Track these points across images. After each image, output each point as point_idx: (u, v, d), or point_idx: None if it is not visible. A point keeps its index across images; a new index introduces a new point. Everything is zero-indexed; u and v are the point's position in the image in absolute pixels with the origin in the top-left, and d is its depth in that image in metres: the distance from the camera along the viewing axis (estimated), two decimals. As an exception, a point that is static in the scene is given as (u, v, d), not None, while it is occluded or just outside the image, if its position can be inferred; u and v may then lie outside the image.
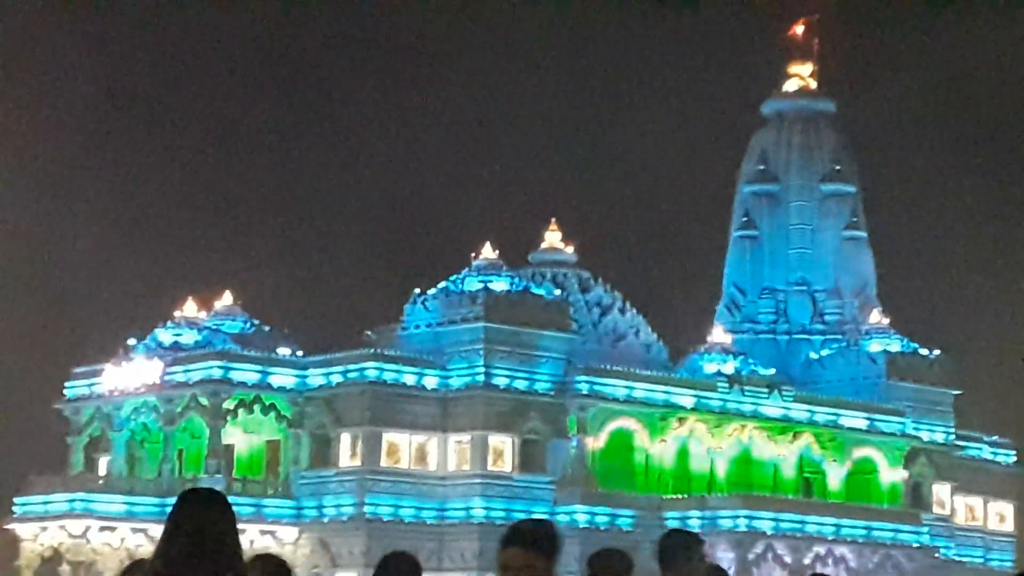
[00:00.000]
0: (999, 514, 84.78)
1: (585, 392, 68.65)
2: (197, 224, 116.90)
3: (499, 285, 69.64)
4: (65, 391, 72.07)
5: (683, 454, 72.31)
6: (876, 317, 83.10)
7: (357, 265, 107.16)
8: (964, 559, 79.37)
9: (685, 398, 71.60)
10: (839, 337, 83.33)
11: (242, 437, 69.83)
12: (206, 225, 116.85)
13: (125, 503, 65.60)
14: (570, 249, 79.02)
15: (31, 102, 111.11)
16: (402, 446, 67.07)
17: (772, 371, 76.49)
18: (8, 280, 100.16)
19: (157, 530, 65.85)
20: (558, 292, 72.52)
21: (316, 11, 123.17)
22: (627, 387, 70.00)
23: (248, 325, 72.46)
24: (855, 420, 76.17)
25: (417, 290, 71.45)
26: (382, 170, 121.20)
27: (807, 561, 69.13)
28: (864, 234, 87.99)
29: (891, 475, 77.07)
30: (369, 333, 71.98)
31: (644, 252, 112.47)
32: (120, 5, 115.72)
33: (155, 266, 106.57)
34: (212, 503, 6.02)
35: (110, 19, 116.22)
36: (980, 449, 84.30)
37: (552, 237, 79.08)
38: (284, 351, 70.03)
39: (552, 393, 68.61)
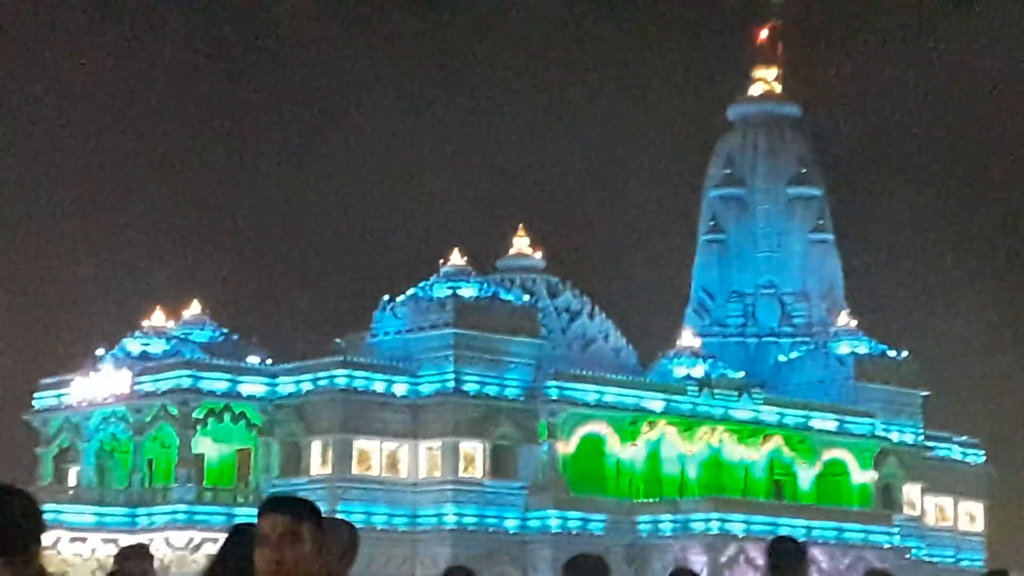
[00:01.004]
0: (969, 514, 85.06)
1: (555, 397, 68.66)
2: (165, 233, 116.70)
3: (468, 291, 69.65)
4: (33, 402, 71.80)
5: (654, 458, 72.37)
6: (844, 319, 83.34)
7: (326, 273, 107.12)
8: (935, 559, 79.61)
9: (655, 402, 71.67)
10: (807, 340, 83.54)
11: (212, 446, 69.63)
12: (174, 234, 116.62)
13: (95, 514, 65.37)
14: (538, 255, 79.09)
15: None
16: (373, 453, 67.00)
17: (741, 374, 76.64)
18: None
19: (127, 540, 65.74)
20: (527, 298, 72.54)
21: (287, 12, 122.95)
22: (597, 392, 70.03)
23: (217, 334, 72.32)
24: (825, 422, 76.37)
25: (386, 297, 71.42)
26: (350, 178, 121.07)
27: (778, 563, 69.21)
28: (831, 237, 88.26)
29: (861, 476, 77.28)
30: (338, 340, 71.85)
31: (612, 257, 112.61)
32: (94, 22, 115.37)
33: (123, 276, 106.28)
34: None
35: (79, 31, 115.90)
36: (949, 449, 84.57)
37: (520, 243, 79.13)
38: (253, 359, 69.90)
39: (522, 399, 68.62)
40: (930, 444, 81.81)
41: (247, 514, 65.43)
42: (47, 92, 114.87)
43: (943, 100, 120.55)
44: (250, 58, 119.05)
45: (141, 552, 9.64)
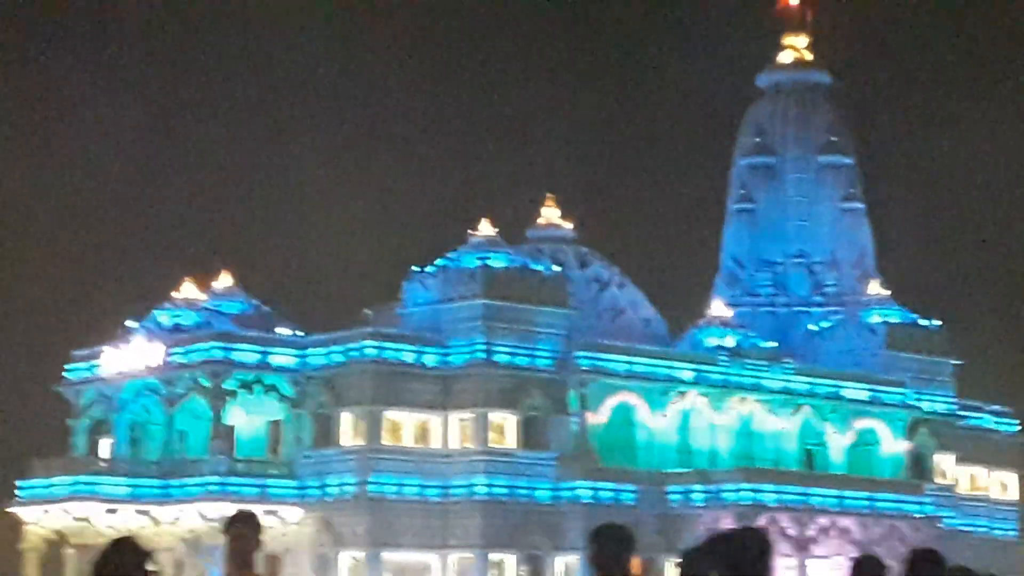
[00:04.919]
0: (1002, 483, 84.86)
1: (585, 368, 68.59)
2: (195, 204, 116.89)
3: (497, 262, 69.57)
4: (65, 373, 72.03)
5: (684, 428, 72.28)
6: (875, 288, 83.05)
7: (355, 244, 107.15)
8: (968, 529, 79.42)
9: (685, 372, 71.56)
10: (838, 309, 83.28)
11: (244, 418, 69.80)
12: (204, 205, 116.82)
13: (128, 485, 65.67)
14: (568, 225, 78.96)
15: (32, 90, 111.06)
16: (404, 424, 67.06)
17: (772, 344, 76.42)
18: (8, 263, 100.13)
19: (160, 511, 65.72)
20: (556, 268, 72.44)
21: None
22: (627, 362, 69.95)
23: (247, 305, 72.41)
24: (856, 392, 76.17)
25: (415, 268, 71.37)
26: (379, 148, 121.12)
27: (811, 533, 69.20)
28: (862, 205, 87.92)
29: (893, 446, 77.10)
30: (368, 312, 71.90)
31: (642, 227, 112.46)
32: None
33: (153, 247, 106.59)
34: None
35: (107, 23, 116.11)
36: (982, 419, 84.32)
37: (550, 213, 79.01)
38: (284, 331, 69.99)
39: (553, 369, 68.55)
40: (962, 413, 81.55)
41: (279, 485, 65.90)
42: (78, 64, 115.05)
43: (975, 66, 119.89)
44: (279, 27, 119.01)
45: (247, 519, 9.69)
